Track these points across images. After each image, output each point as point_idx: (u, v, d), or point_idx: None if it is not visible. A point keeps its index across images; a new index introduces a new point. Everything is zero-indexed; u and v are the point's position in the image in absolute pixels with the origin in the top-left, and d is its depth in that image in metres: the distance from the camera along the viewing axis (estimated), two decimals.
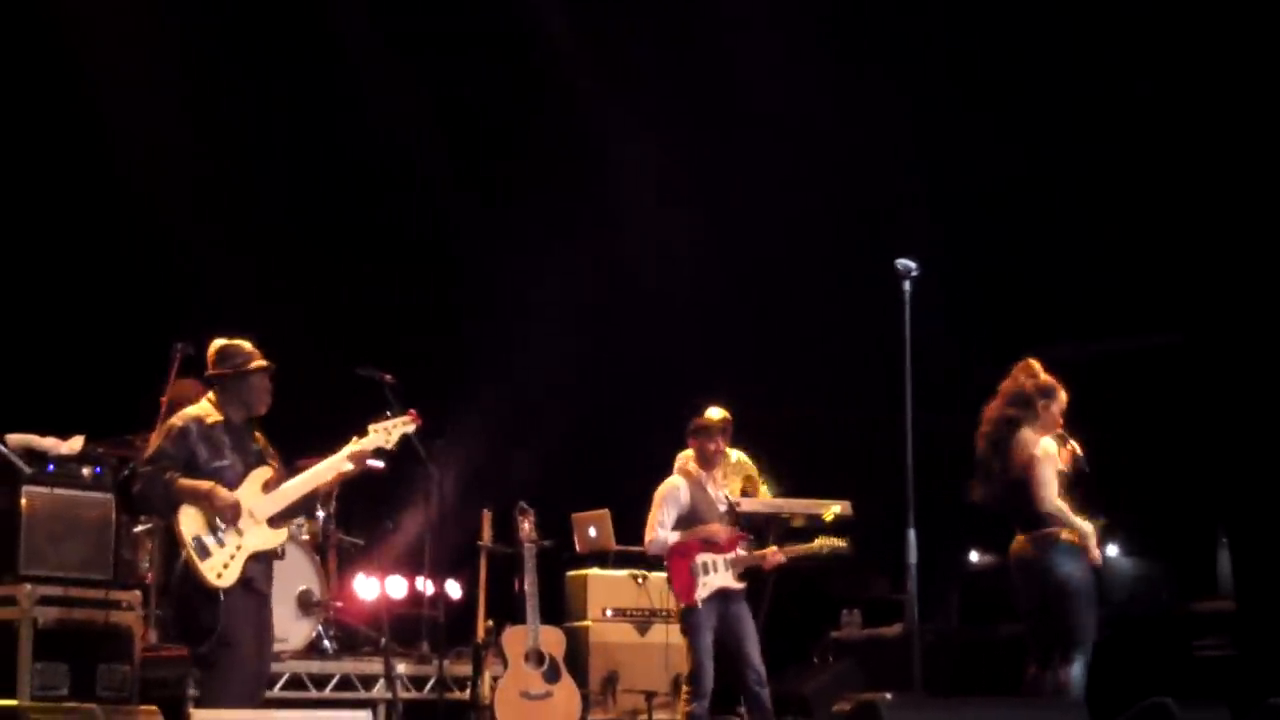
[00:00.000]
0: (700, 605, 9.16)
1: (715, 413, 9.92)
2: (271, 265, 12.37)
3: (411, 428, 8.01)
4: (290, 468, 7.93)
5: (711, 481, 9.48)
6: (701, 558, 9.23)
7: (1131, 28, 12.60)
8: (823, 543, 9.35)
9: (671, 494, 9.37)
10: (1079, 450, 8.80)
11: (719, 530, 9.26)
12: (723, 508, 9.44)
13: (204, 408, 7.77)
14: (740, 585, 9.29)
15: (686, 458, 10.53)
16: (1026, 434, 8.66)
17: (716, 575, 9.21)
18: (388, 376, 8.98)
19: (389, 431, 7.93)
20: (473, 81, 13.46)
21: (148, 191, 12.15)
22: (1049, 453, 8.64)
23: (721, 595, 9.22)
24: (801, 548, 9.44)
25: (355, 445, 7.85)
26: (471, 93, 13.47)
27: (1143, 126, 12.67)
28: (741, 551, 9.30)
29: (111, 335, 11.81)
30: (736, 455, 10.68)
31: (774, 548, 9.41)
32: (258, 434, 7.88)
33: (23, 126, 11.78)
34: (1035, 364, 8.88)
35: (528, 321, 13.41)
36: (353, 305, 12.91)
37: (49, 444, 9.01)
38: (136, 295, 12.09)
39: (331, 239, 13.14)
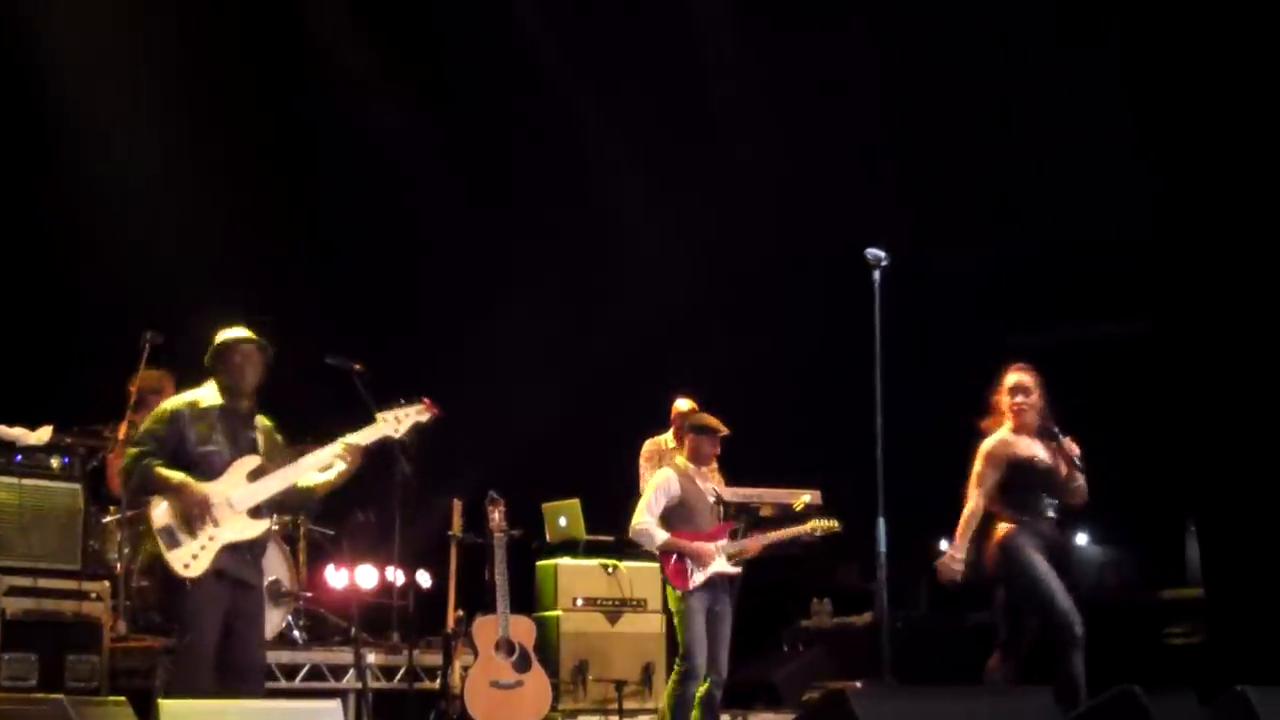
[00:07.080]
0: (694, 590, 9.15)
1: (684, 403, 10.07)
2: (241, 255, 12.32)
3: (425, 417, 7.71)
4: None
5: (700, 475, 9.47)
6: (695, 546, 9.24)
7: (1102, 15, 12.67)
8: (815, 524, 9.27)
9: (664, 484, 9.36)
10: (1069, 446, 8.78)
11: (707, 551, 9.22)
12: (711, 499, 9.45)
13: (203, 392, 7.63)
14: (734, 570, 9.27)
15: (657, 444, 10.61)
16: (985, 442, 8.76)
17: (712, 563, 9.22)
18: (357, 365, 8.93)
19: (399, 420, 7.66)
20: (458, 79, 13.47)
21: (115, 180, 12.10)
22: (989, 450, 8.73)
23: (714, 583, 9.21)
24: (791, 530, 9.38)
25: (356, 435, 7.61)
26: (456, 90, 13.46)
27: (1113, 114, 12.73)
28: (726, 541, 9.30)
29: (80, 325, 11.75)
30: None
31: (755, 534, 9.37)
32: (262, 421, 7.69)
33: None
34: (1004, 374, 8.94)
35: (500, 314, 13.40)
36: (326, 295, 12.87)
37: (17, 434, 8.97)
38: (104, 285, 12.02)
39: (306, 228, 13.11)
